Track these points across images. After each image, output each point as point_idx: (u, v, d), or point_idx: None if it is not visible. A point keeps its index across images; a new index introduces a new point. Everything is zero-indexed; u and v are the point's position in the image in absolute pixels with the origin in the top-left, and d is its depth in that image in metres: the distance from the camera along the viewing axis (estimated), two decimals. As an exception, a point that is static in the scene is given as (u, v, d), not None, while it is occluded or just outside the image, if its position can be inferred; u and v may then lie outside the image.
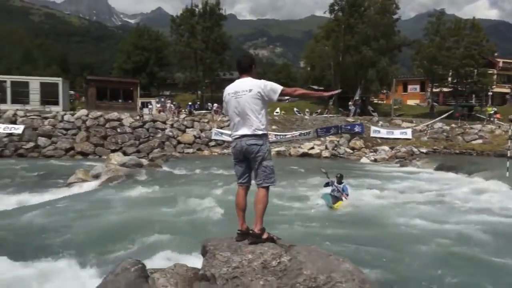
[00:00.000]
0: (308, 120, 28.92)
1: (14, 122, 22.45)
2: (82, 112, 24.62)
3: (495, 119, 29.03)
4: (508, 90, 44.44)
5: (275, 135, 24.77)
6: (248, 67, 3.69)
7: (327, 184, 9.29)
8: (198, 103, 37.43)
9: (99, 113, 24.25)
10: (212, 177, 14.04)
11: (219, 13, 41.96)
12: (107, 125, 23.66)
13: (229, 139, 24.06)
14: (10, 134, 21.43)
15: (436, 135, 25.94)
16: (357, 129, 25.12)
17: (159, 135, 24.14)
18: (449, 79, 39.65)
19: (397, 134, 25.67)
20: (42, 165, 17.63)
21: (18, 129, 21.80)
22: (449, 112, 30.20)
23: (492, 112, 30.37)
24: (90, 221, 7.45)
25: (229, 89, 3.66)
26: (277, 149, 22.91)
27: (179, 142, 24.18)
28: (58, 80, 28.92)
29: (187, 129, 25.24)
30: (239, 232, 3.50)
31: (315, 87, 45.11)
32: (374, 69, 35.84)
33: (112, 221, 7.56)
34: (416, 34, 47.38)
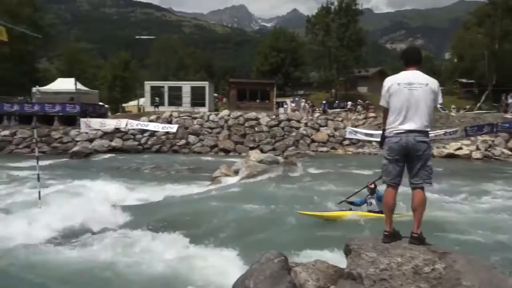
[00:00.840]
0: (454, 117, 26.07)
1: (170, 122, 25.59)
2: (224, 112, 26.70)
3: None
4: None
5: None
6: (419, 59, 3.45)
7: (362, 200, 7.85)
8: (336, 102, 37.02)
9: (239, 113, 25.99)
10: (347, 176, 13.76)
11: (355, 8, 40.90)
12: (246, 124, 25.20)
13: (364, 138, 23.29)
14: (167, 133, 24.51)
15: None
16: (518, 127, 21.65)
17: (294, 133, 24.70)
18: None
19: None
20: (192, 160, 19.72)
21: (173, 128, 24.78)
22: None
23: None
24: (233, 212, 8.04)
25: (399, 79, 3.37)
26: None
27: (313, 141, 24.37)
28: (205, 84, 32.03)
29: (321, 128, 25.27)
30: (386, 233, 3.30)
31: (464, 80, 40.54)
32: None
33: (252, 213, 8.02)
34: None
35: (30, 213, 7.35)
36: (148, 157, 20.62)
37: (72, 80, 31.02)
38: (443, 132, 22.85)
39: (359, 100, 32.46)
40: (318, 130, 25.09)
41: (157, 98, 29.84)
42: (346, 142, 24.24)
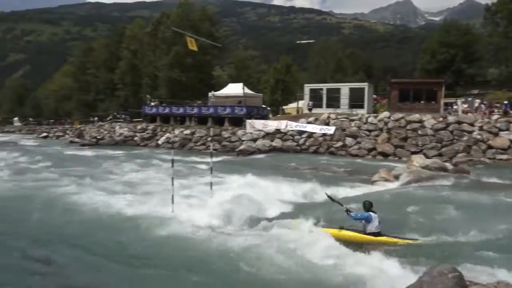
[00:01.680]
0: None
1: (327, 124, 25.76)
2: (384, 114, 25.48)
3: None
4: None
5: None
6: None
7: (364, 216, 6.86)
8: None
9: (400, 115, 24.47)
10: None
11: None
12: (407, 127, 23.54)
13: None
14: (324, 134, 24.75)
15: None
16: None
17: (465, 138, 21.93)
18: None
19: None
20: (349, 162, 19.46)
21: (330, 130, 24.88)
22: None
23: None
24: (392, 219, 7.59)
25: None
26: None
27: (489, 147, 21.19)
28: (364, 85, 31.16)
29: (500, 132, 21.81)
30: None
31: None
32: None
33: (416, 220, 7.46)
34: None
35: (203, 201, 8.39)
36: (306, 158, 21.19)
37: (240, 85, 34.12)
38: None
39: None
40: (496, 134, 21.72)
41: (310, 102, 30.47)
42: (535, 149, 20.38)
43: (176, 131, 28.88)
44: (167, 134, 30.73)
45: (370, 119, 24.88)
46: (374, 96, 40.48)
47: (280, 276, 5.20)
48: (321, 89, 31.62)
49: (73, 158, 22.26)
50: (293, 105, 37.47)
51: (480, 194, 10.59)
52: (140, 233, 6.99)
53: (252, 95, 35.86)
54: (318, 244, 6.01)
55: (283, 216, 8.13)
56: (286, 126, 26.03)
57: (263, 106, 36.00)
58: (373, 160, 20.99)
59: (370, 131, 24.19)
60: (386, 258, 5.38)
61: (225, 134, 27.66)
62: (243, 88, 32.49)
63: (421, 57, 48.25)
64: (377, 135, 23.72)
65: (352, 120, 25.26)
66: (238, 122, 29.59)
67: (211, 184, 8.97)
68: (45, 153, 24.49)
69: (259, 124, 27.36)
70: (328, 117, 26.25)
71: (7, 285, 5.16)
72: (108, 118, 47.03)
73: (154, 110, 36.79)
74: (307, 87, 32.24)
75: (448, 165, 15.27)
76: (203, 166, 16.28)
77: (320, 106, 30.08)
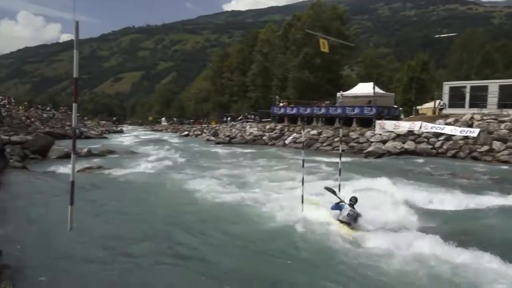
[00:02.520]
0: None
1: (470, 125, 23.14)
2: (545, 114, 21.79)
3: None
4: None
5: None
6: None
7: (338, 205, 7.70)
8: None
9: None
10: None
11: None
12: None
13: None
14: (466, 137, 22.26)
15: None
16: None
17: None
18: None
19: None
20: (496, 169, 17.17)
21: (474, 132, 22.27)
22: None
23: None
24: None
25: None
26: None
27: None
28: (519, 81, 27.08)
29: None
30: None
31: None
32: None
33: None
34: None
35: (331, 202, 8.35)
36: (442, 162, 19.41)
37: (370, 84, 32.93)
38: None
39: None
40: None
41: (442, 101, 27.79)
42: None
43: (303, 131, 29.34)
44: (294, 134, 31.42)
45: (525, 121, 21.55)
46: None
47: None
48: (464, 87, 28.51)
49: (208, 154, 24.44)
50: (428, 104, 34.58)
51: None
52: (272, 231, 7.27)
53: (383, 95, 34.26)
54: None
55: (412, 226, 7.66)
56: (421, 128, 24.21)
57: (395, 106, 34.09)
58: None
59: (525, 134, 20.95)
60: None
61: (353, 135, 27.03)
62: (373, 88, 31.28)
63: None
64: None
65: (502, 122, 22.20)
66: (366, 122, 28.64)
67: (339, 185, 8.90)
68: (185, 150, 27.44)
69: (389, 125, 26.02)
70: (472, 118, 23.56)
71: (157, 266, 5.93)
72: (238, 118, 50.24)
73: (282, 110, 37.97)
74: (447, 85, 29.44)
75: None
76: (330, 167, 16.25)
77: (462, 106, 27.17)
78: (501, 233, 7.14)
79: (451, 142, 22.50)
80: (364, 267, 5.54)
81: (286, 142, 31.29)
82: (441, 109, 27.68)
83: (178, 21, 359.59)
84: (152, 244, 6.58)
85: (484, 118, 23.18)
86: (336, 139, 27.31)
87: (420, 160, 20.22)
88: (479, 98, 26.72)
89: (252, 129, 37.43)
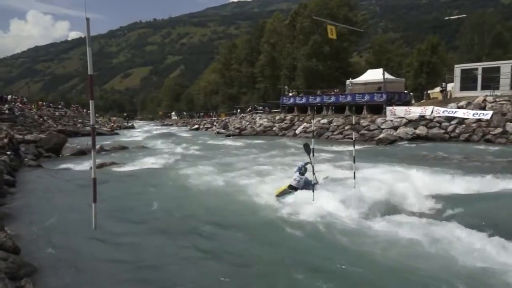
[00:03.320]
0: None
1: (483, 108, 22.74)
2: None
3: None
4: None
5: None
6: None
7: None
8: None
9: None
10: None
11: None
12: None
13: None
14: (479, 120, 21.91)
15: None
16: None
17: None
18: None
19: None
20: (510, 151, 16.87)
21: (487, 115, 21.88)
22: None
23: None
24: None
25: None
26: None
27: None
28: (532, 61, 26.43)
29: None
30: None
31: None
32: None
33: None
34: None
35: (346, 192, 8.29)
36: (455, 146, 19.15)
37: (380, 70, 32.53)
38: None
39: None
40: None
41: (444, 84, 27.52)
42: None
43: (313, 120, 29.20)
44: (304, 124, 31.27)
45: (540, 101, 21.10)
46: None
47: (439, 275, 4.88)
48: (476, 69, 27.94)
49: (218, 147, 24.48)
50: (439, 88, 34.04)
51: None
52: (279, 221, 7.25)
53: (393, 80, 33.83)
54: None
55: (434, 210, 7.59)
56: (432, 112, 23.88)
57: (405, 91, 33.65)
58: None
59: (540, 115, 20.52)
60: None
61: (364, 122, 26.78)
62: (383, 74, 30.88)
63: None
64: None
65: (516, 103, 21.79)
66: (377, 109, 28.34)
67: (354, 174, 8.81)
68: (196, 143, 27.53)
69: (400, 111, 25.71)
70: (484, 100, 23.15)
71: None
72: (248, 110, 50.16)
73: (291, 100, 37.78)
74: (458, 68, 28.87)
75: None
76: (342, 156, 16.16)
77: (474, 89, 26.66)
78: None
79: (464, 125, 22.17)
80: (378, 254, 5.50)
81: (297, 132, 31.17)
82: (442, 91, 27.29)
83: (184, 14, 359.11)
84: (177, 240, 6.52)
85: (497, 100, 22.76)
86: (346, 127, 27.11)
87: (433, 145, 19.96)
88: (491, 80, 26.15)
89: (262, 120, 37.36)
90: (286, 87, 43.95)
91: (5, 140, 16.38)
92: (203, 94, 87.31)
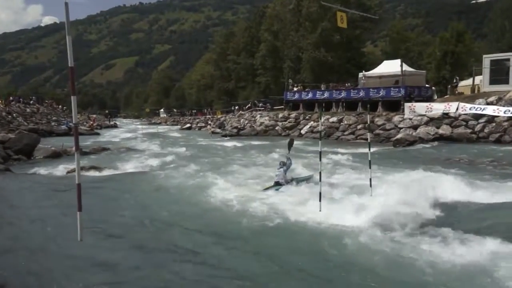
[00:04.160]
0: None
1: (515, 104, 22.77)
2: None
3: None
4: None
5: None
6: None
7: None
8: None
9: None
10: None
11: None
12: None
13: None
14: (511, 118, 21.92)
15: None
16: None
17: None
18: None
19: None
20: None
21: (521, 112, 21.92)
22: None
23: None
24: None
25: None
26: None
27: None
28: None
29: None
30: None
31: None
32: None
33: None
34: None
35: (362, 200, 8.26)
36: (484, 148, 19.16)
37: (397, 61, 32.54)
38: None
39: None
40: None
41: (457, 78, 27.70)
42: None
43: (321, 119, 29.23)
44: (311, 123, 31.29)
45: None
46: None
47: None
48: (507, 59, 27.96)
49: (213, 148, 24.46)
50: (466, 82, 34.08)
51: None
52: (283, 234, 7.23)
53: (412, 73, 33.85)
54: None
55: (447, 222, 7.57)
56: (457, 109, 23.91)
57: (427, 85, 33.68)
58: None
59: None
60: None
61: (378, 121, 26.82)
62: (401, 65, 30.89)
63: None
64: None
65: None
66: (394, 106, 28.37)
67: (370, 180, 8.78)
68: (187, 144, 27.50)
69: (421, 107, 25.73)
70: (518, 95, 23.21)
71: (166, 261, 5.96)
72: (247, 107, 50.20)
73: (296, 96, 37.84)
74: (487, 58, 28.89)
75: None
76: (355, 159, 16.13)
77: (506, 82, 26.68)
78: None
79: (494, 124, 22.19)
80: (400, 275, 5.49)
81: (302, 132, 31.20)
82: (455, 86, 27.33)
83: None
84: (170, 249, 6.68)
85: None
86: (359, 127, 27.11)
87: (459, 147, 19.96)
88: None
89: (263, 118, 37.41)
90: (290, 80, 43.96)
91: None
92: (195, 88, 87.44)
